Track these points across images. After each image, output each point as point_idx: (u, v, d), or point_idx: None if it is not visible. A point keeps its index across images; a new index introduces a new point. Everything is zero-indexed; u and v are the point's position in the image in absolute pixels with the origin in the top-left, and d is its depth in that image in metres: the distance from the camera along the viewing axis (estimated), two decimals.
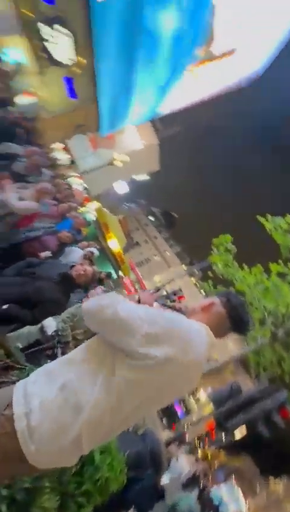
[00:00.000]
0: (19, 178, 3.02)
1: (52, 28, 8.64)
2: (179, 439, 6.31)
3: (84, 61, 9.88)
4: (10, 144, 3.65)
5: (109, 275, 3.61)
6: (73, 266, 2.11)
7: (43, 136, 10.88)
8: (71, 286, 2.08)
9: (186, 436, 6.79)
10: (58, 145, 16.71)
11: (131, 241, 9.48)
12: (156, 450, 2.73)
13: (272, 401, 3.94)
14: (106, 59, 9.34)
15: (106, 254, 7.91)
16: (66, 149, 17.96)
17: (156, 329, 0.94)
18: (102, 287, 3.19)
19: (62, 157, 18.20)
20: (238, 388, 4.34)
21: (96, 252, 3.88)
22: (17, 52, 10.02)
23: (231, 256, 3.45)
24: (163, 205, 35.31)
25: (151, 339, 0.93)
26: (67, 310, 2.48)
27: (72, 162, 17.82)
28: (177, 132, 24.01)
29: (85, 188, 19.79)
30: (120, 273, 9.04)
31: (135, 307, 1.02)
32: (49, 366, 1.02)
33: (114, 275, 8.36)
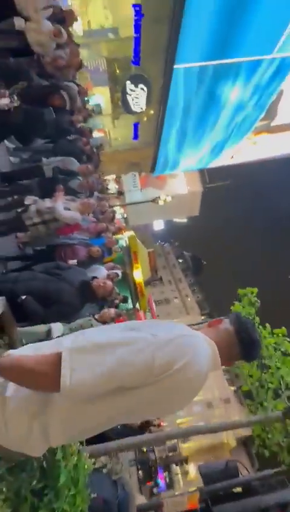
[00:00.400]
0: (71, 193, 3.40)
1: (134, 85, 10.28)
2: (155, 509, 5.46)
3: (152, 112, 11.40)
4: (74, 160, 4.18)
5: (125, 299, 3.66)
6: (95, 277, 2.23)
7: (102, 166, 12.29)
8: (89, 296, 2.17)
9: (164, 509, 5.87)
10: (112, 176, 18.52)
11: (155, 277, 9.49)
12: (125, 505, 2.44)
13: (272, 497, 3.28)
14: (173, 115, 10.57)
15: (127, 282, 8.00)
16: (118, 181, 19.76)
17: (165, 357, 0.84)
18: (116, 309, 3.22)
19: (113, 186, 19.97)
20: (234, 468, 3.69)
21: (120, 274, 4.00)
22: (100, 98, 12.06)
23: (254, 310, 3.25)
24: (194, 250, 35.55)
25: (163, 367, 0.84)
26: (77, 321, 2.54)
27: (120, 193, 19.40)
28: (224, 185, 24.94)
29: (125, 218, 21.02)
30: (137, 305, 8.96)
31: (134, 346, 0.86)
32: (40, 344, 1.00)
33: (130, 304, 8.31)
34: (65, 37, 4.47)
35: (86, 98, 8.20)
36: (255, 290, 3.12)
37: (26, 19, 4.07)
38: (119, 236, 9.36)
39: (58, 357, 0.82)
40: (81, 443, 1.90)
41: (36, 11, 4.02)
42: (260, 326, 3.00)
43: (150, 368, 0.83)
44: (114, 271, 3.76)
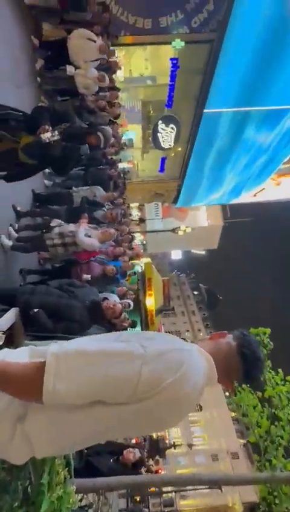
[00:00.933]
0: (95, 222, 3.63)
1: (165, 125, 11.15)
2: None
3: (180, 149, 12.16)
4: (100, 188, 4.50)
5: (134, 324, 3.64)
6: (106, 298, 2.28)
7: (128, 194, 13.04)
8: (97, 316, 2.22)
9: None
10: (136, 204, 19.35)
11: (167, 306, 9.35)
12: None
13: None
14: (199, 153, 11.17)
15: (139, 308, 7.94)
16: (141, 209, 20.54)
17: (152, 373, 0.79)
18: None
19: (135, 214, 20.71)
20: None
21: (131, 305, 4.02)
22: (133, 133, 13.12)
23: (265, 351, 3.05)
24: (210, 284, 34.79)
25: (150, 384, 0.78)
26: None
27: (142, 220, 20.04)
28: (245, 222, 24.95)
29: (144, 245, 21.40)
30: None
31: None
32: (35, 348, 0.98)
33: (138, 330, 8.15)
34: (108, 82, 5.09)
35: (121, 133, 8.99)
36: (268, 330, 2.98)
37: (77, 67, 4.72)
38: (136, 262, 9.51)
39: (42, 365, 0.80)
40: (69, 473, 1.83)
41: (86, 61, 4.66)
42: (272, 371, 2.82)
43: (134, 384, 0.78)
44: (126, 301, 3.81)
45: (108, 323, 2.85)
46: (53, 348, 0.83)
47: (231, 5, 7.07)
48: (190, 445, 21.07)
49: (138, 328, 8.38)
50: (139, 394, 0.79)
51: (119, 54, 10.16)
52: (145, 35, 8.04)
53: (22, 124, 2.03)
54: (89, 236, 3.18)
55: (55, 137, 2.02)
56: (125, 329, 3.75)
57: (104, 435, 0.92)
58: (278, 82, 8.58)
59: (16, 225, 3.61)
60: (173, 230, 14.21)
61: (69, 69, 4.67)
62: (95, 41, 4.46)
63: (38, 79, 4.82)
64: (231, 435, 21.71)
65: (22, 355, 0.93)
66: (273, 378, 2.88)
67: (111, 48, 7.91)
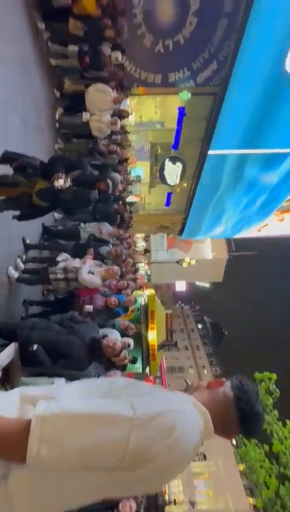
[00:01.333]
0: (100, 258, 3.73)
1: (172, 163, 11.88)
2: None
3: (185, 185, 12.79)
4: (108, 224, 4.68)
5: (134, 360, 3.52)
6: (106, 336, 2.26)
7: (135, 225, 13.50)
8: (96, 354, 2.18)
9: None
10: (141, 235, 19.80)
11: (170, 341, 9.06)
12: None
13: None
14: (203, 190, 11.69)
15: (140, 342, 7.69)
16: (147, 239, 20.95)
17: (141, 441, 0.74)
18: (122, 373, 3.08)
19: (141, 244, 21.09)
20: None
21: (131, 345, 3.94)
22: (141, 170, 13.96)
23: (271, 400, 2.83)
24: (215, 317, 33.77)
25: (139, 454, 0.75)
26: (80, 379, 2.48)
27: (147, 250, 20.33)
28: (250, 256, 24.98)
29: (148, 275, 21.41)
30: (147, 369, 8.38)
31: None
32: (27, 390, 0.94)
33: (139, 369, 7.80)
34: (119, 126, 5.57)
35: (129, 170, 9.57)
36: (274, 376, 2.84)
37: (92, 114, 5.21)
38: (139, 293, 9.45)
39: (27, 426, 0.75)
40: None
41: (100, 110, 5.15)
42: (279, 422, 2.63)
43: (122, 453, 0.75)
44: (126, 340, 3.75)
45: (107, 360, 2.78)
46: (39, 409, 0.78)
47: (232, 64, 7.91)
48: (192, 503, 18.76)
49: (139, 364, 8.04)
50: (128, 463, 0.75)
51: (132, 102, 11.21)
52: (155, 88, 8.93)
53: (38, 171, 2.23)
54: (92, 274, 3.24)
55: (67, 184, 2.19)
56: (125, 366, 3.63)
57: (97, 496, 0.86)
58: (278, 127, 9.23)
59: (24, 257, 3.72)
60: (178, 262, 14.30)
61: (85, 116, 5.16)
62: (110, 94, 4.99)
63: (57, 124, 5.32)
64: (239, 491, 19.36)
65: (12, 400, 0.89)
66: (281, 430, 2.67)
67: (125, 100, 8.83)
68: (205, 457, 23.58)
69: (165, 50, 8.12)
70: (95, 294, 3.48)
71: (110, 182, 2.61)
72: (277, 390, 2.98)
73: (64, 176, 2.21)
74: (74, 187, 2.32)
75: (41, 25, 4.73)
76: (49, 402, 0.80)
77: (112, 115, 5.42)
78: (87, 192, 2.45)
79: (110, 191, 2.62)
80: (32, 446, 0.72)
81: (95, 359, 2.27)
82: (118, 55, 5.29)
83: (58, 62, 5.22)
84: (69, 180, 2.22)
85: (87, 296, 3.40)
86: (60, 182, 2.16)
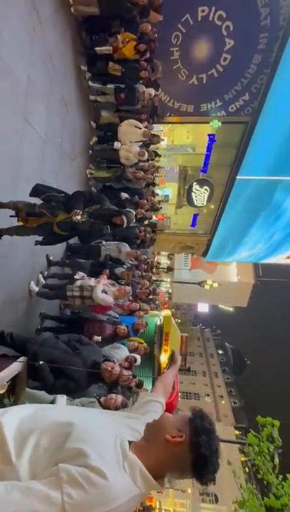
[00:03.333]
0: (114, 277, 3.95)
1: (199, 186, 12.09)
2: None
3: (212, 207, 12.84)
4: (126, 245, 4.92)
5: (140, 384, 3.54)
6: (106, 359, 2.38)
7: (160, 243, 13.77)
8: (94, 377, 2.30)
9: None
10: (165, 253, 19.95)
11: (183, 365, 8.84)
12: None
13: None
14: (230, 213, 11.64)
15: (152, 363, 7.61)
16: (171, 258, 21.02)
17: None
18: (122, 397, 3.10)
19: (164, 262, 21.19)
20: None
21: (138, 360, 4.00)
22: (169, 190, 14.35)
23: (272, 447, 2.60)
24: (237, 345, 31.95)
25: None
26: (81, 399, 2.60)
27: (170, 269, 20.34)
28: (279, 283, 23.72)
29: (169, 293, 21.25)
30: None
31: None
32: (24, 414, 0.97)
33: (149, 389, 7.67)
34: (146, 157, 5.92)
35: (155, 191, 9.93)
36: (277, 423, 2.69)
37: (122, 143, 5.64)
38: (156, 312, 9.46)
39: None
40: None
41: (130, 142, 5.56)
42: (279, 476, 2.45)
43: None
44: (134, 355, 3.82)
45: (111, 382, 2.88)
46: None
47: (264, 96, 8.07)
48: None
49: (150, 386, 7.92)
50: None
51: (165, 127, 11.78)
52: (187, 116, 9.34)
53: (60, 204, 2.54)
54: (106, 293, 3.43)
55: (84, 219, 2.46)
56: (130, 389, 3.63)
57: None
58: None
59: (46, 273, 4.05)
60: (199, 284, 14.09)
61: (116, 144, 5.61)
62: (140, 128, 5.39)
63: (90, 151, 5.83)
64: None
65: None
66: (280, 485, 2.47)
67: (158, 124, 9.33)
68: (216, 500, 21.72)
69: (199, 82, 8.52)
70: (104, 324, 3.65)
71: (124, 218, 2.84)
72: (280, 439, 2.77)
73: (81, 212, 2.49)
74: (91, 220, 2.58)
75: (85, 68, 5.35)
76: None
77: (141, 146, 5.82)
78: (101, 226, 2.71)
79: (124, 225, 2.85)
80: None
81: (94, 382, 2.39)
82: (151, 91, 5.73)
83: (97, 98, 5.79)
84: (86, 215, 2.49)
85: (97, 323, 3.57)
86: (78, 217, 2.44)
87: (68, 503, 0.75)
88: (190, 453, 0.90)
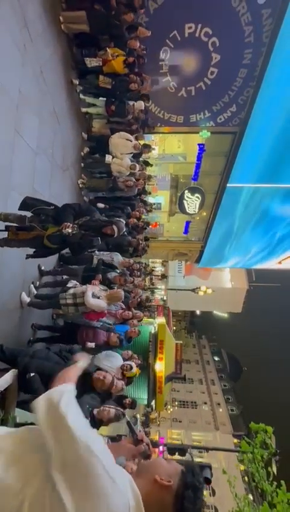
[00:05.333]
0: (107, 283, 3.96)
1: (191, 194, 12.31)
2: None
3: (204, 214, 13.05)
4: (119, 254, 4.95)
5: (133, 405, 3.49)
6: (99, 369, 2.37)
7: (153, 251, 13.86)
8: (86, 387, 2.28)
9: None
10: (159, 260, 20.02)
11: (179, 373, 8.79)
12: None
13: None
14: (222, 220, 11.84)
15: (147, 373, 7.54)
16: (165, 265, 21.08)
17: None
18: (116, 409, 3.06)
19: (158, 269, 21.23)
20: None
21: (133, 368, 3.98)
22: (161, 198, 14.53)
23: (265, 454, 2.58)
24: (233, 350, 31.86)
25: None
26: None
27: (164, 276, 20.37)
28: (272, 288, 23.96)
29: (164, 301, 21.21)
30: (153, 403, 8.10)
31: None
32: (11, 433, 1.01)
33: (144, 401, 7.58)
34: (137, 170, 6.02)
35: (147, 200, 10.07)
36: (270, 429, 2.69)
37: (114, 157, 5.73)
38: (150, 320, 9.42)
39: None
40: None
41: (122, 154, 5.66)
42: (273, 484, 2.44)
43: None
44: (128, 362, 3.80)
45: (104, 392, 2.85)
46: None
47: (251, 108, 8.37)
48: None
49: (144, 395, 7.81)
50: None
51: (156, 137, 12.01)
52: (177, 127, 9.58)
53: (50, 217, 2.57)
54: (98, 298, 3.43)
55: (74, 231, 2.49)
56: (124, 407, 3.54)
57: None
58: None
59: (37, 283, 4.04)
60: (193, 290, 14.14)
61: (108, 159, 5.71)
62: (131, 141, 5.51)
63: (82, 164, 5.91)
64: None
65: None
66: (276, 495, 2.44)
67: (149, 134, 9.53)
68: None
69: (188, 94, 8.79)
70: (98, 331, 3.63)
71: (115, 228, 2.89)
72: (273, 445, 2.77)
73: (71, 224, 2.52)
74: (81, 231, 2.62)
75: (76, 81, 5.48)
76: None
77: (133, 156, 5.93)
78: (91, 238, 2.74)
79: (115, 235, 2.90)
80: None
81: (86, 391, 2.37)
82: (141, 105, 5.89)
83: (88, 110, 5.91)
84: (76, 228, 2.53)
85: (91, 330, 3.56)
86: (68, 230, 2.47)
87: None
88: (173, 503, 0.91)
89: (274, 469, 2.83)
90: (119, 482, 0.86)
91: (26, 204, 2.68)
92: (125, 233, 5.59)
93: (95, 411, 2.91)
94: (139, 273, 6.18)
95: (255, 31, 7.38)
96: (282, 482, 2.59)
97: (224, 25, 7.44)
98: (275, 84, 7.82)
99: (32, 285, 3.89)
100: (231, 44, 7.68)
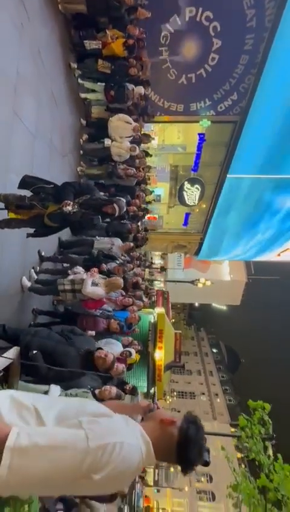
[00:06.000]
0: (106, 272, 3.95)
1: (191, 185, 12.22)
2: None
3: (204, 206, 12.98)
4: (119, 239, 4.93)
5: (134, 391, 3.54)
6: (100, 348, 2.39)
7: (152, 243, 13.82)
8: (88, 365, 2.30)
9: None
10: (159, 252, 20.01)
11: (178, 362, 8.88)
12: None
13: None
14: (222, 212, 11.79)
15: (146, 362, 7.62)
16: (164, 257, 21.09)
17: (93, 463, 0.92)
18: (117, 389, 3.09)
19: (157, 261, 21.23)
20: None
21: (133, 354, 4.01)
22: (161, 190, 14.43)
23: (263, 430, 2.65)
24: (231, 343, 32.19)
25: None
26: (74, 388, 2.61)
27: (163, 268, 20.40)
28: (271, 281, 24.08)
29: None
30: (152, 390, 8.22)
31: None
32: (18, 395, 1.08)
33: (144, 388, 7.68)
34: (137, 151, 5.95)
35: (148, 188, 9.99)
36: (268, 406, 2.75)
37: (113, 140, 5.65)
38: (149, 310, 9.47)
39: (5, 439, 0.90)
40: None
41: (121, 137, 5.58)
42: (271, 457, 2.52)
43: (78, 471, 0.94)
44: (128, 349, 3.83)
45: (104, 372, 2.87)
46: (10, 441, 0.92)
47: (252, 96, 8.24)
48: None
49: (144, 383, 7.92)
50: (82, 476, 0.96)
51: (155, 127, 11.87)
52: (177, 116, 9.44)
53: (50, 196, 2.54)
54: (96, 285, 3.43)
55: (75, 209, 2.47)
56: (125, 393, 3.59)
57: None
58: None
59: (38, 268, 4.03)
60: (192, 282, 14.18)
61: (107, 142, 5.63)
62: (130, 123, 5.43)
63: (81, 151, 5.83)
64: None
65: (1, 403, 1.04)
66: (272, 464, 2.53)
67: (149, 123, 9.41)
68: (213, 498, 21.79)
69: (188, 82, 8.64)
70: (97, 319, 3.64)
71: (116, 207, 2.86)
72: (270, 421, 2.84)
73: (72, 202, 2.50)
74: (82, 210, 2.59)
75: (74, 65, 5.36)
76: (19, 433, 0.94)
77: (132, 142, 5.85)
78: (92, 217, 2.72)
79: (116, 214, 2.87)
80: (1, 473, 0.88)
81: (89, 370, 2.39)
82: (141, 90, 5.78)
83: (87, 95, 5.80)
84: (76, 206, 2.50)
85: (91, 318, 3.56)
86: (69, 208, 2.44)
87: (89, 431, 0.97)
88: (177, 435, 1.05)
89: (270, 452, 2.90)
90: (129, 442, 1.00)
91: (25, 182, 2.65)
92: (126, 221, 5.56)
93: (97, 391, 2.95)
94: (138, 262, 6.17)
95: (257, 15, 7.22)
96: (279, 455, 2.67)
97: (226, 8, 7.27)
98: (277, 72, 7.69)
99: (32, 270, 3.88)
100: (233, 29, 7.51)
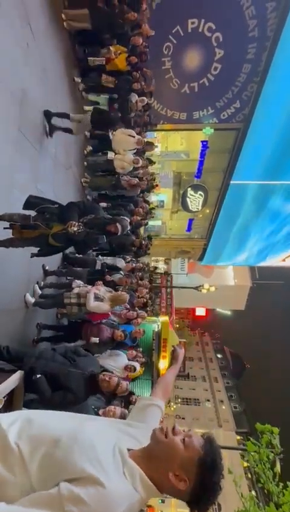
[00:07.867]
0: (111, 284, 3.95)
1: (194, 191, 12.23)
2: None
3: (207, 211, 12.96)
4: (122, 260, 4.94)
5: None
6: (104, 370, 2.36)
7: (156, 249, 13.81)
8: (93, 389, 2.28)
9: None
10: (162, 258, 20.00)
11: (182, 371, 8.79)
12: None
13: None
14: (225, 218, 11.76)
15: (151, 370, 7.55)
16: (167, 263, 21.05)
17: None
18: (121, 409, 3.07)
19: (161, 267, 21.20)
20: None
21: (137, 368, 3.98)
22: (164, 196, 14.47)
23: (272, 455, 2.57)
24: (236, 348, 31.83)
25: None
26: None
27: (167, 274, 20.35)
28: (275, 285, 23.83)
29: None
30: None
31: None
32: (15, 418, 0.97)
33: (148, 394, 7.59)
34: (140, 164, 5.98)
35: (149, 196, 10.00)
36: (276, 430, 2.68)
37: (116, 153, 5.69)
38: (153, 319, 9.42)
39: None
40: None
41: (124, 150, 5.62)
42: (280, 484, 2.43)
43: None
44: (133, 363, 3.80)
45: (109, 394, 2.85)
46: None
47: (255, 103, 8.26)
48: None
49: (149, 393, 7.84)
50: None
51: (158, 134, 11.93)
52: (180, 124, 9.49)
53: (54, 216, 2.56)
54: (101, 300, 3.42)
55: (80, 230, 2.48)
56: (128, 404, 3.57)
57: None
58: None
59: (42, 283, 4.03)
60: (196, 288, 14.10)
61: (110, 155, 5.66)
62: (134, 137, 5.46)
63: (85, 163, 5.88)
64: None
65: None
66: (283, 495, 2.42)
67: (152, 132, 9.44)
68: (219, 509, 21.37)
69: (191, 91, 8.70)
70: (102, 326, 3.63)
71: (119, 226, 2.87)
72: (279, 446, 2.75)
73: (77, 223, 2.51)
74: (86, 229, 2.60)
75: (78, 79, 5.43)
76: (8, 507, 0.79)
77: (135, 153, 5.88)
78: (96, 236, 2.73)
79: (119, 233, 2.88)
80: None
81: (92, 393, 2.37)
82: (143, 99, 5.82)
83: (90, 108, 5.86)
84: (81, 226, 2.51)
85: (95, 326, 3.55)
86: (74, 229, 2.46)
87: None
88: (189, 500, 0.92)
89: (278, 467, 2.82)
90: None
91: (30, 203, 2.67)
92: (129, 232, 5.57)
93: (101, 411, 2.92)
94: (141, 273, 6.16)
95: (259, 25, 7.27)
96: (288, 483, 2.58)
97: (228, 19, 7.33)
98: (280, 79, 7.70)
99: (36, 286, 3.89)
100: (235, 39, 7.57)
